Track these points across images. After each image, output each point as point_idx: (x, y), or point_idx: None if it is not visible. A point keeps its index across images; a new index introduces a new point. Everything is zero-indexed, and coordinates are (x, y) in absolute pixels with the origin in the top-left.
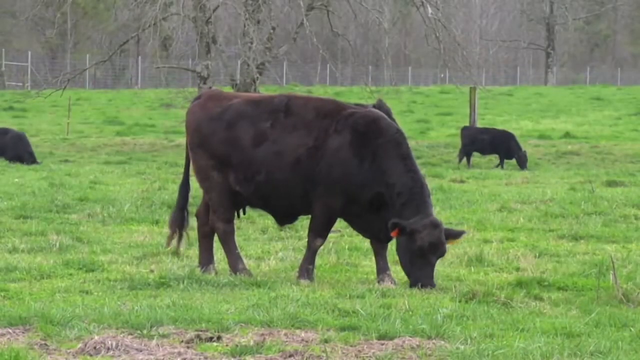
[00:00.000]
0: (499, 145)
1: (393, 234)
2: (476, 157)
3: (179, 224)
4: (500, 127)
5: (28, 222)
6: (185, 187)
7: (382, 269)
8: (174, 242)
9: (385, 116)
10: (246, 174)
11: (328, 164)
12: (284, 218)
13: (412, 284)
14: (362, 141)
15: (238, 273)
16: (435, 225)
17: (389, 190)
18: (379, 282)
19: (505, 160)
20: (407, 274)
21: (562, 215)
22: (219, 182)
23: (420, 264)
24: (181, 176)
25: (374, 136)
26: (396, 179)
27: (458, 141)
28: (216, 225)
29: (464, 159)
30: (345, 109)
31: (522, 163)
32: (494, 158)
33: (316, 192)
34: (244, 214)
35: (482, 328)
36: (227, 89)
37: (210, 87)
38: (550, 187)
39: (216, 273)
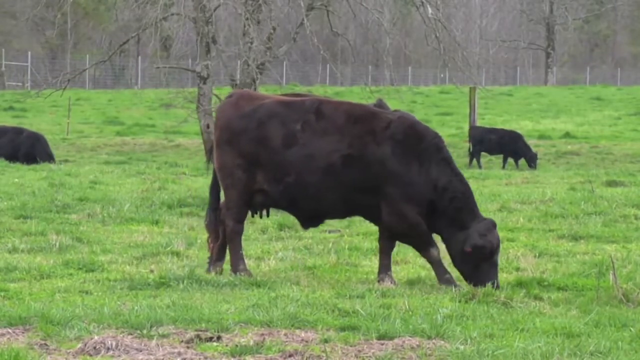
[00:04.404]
0: (506, 145)
1: (469, 252)
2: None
3: (214, 225)
4: (500, 127)
5: (28, 222)
6: (215, 187)
7: (384, 267)
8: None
9: (420, 121)
10: (276, 174)
11: (379, 180)
12: (310, 220)
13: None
14: (406, 150)
15: (238, 273)
16: (495, 225)
17: (439, 195)
18: (379, 281)
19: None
20: (472, 278)
21: (562, 215)
22: (241, 181)
23: (487, 266)
24: (182, 176)
25: (417, 142)
26: (447, 183)
27: (458, 141)
28: (226, 222)
29: (470, 159)
30: (378, 115)
31: (532, 163)
32: (494, 158)
33: (384, 213)
34: (267, 215)
35: (482, 328)
36: (227, 90)
37: (242, 88)
38: (550, 187)
39: (221, 272)
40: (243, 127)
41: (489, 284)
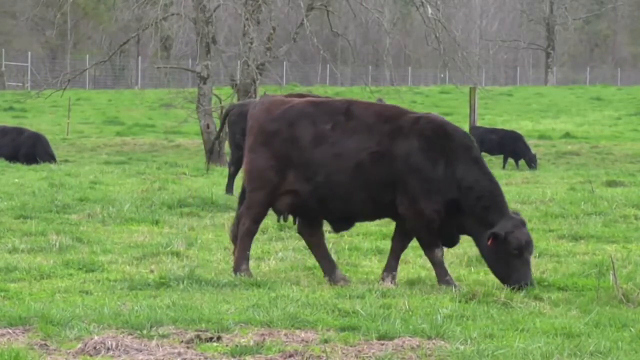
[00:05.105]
0: (506, 146)
1: (489, 243)
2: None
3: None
4: (500, 127)
5: (28, 222)
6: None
7: (390, 268)
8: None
9: (450, 122)
10: (306, 173)
11: (403, 174)
12: (340, 222)
13: (513, 286)
14: (433, 146)
15: (238, 273)
16: (524, 223)
17: (464, 194)
18: (381, 279)
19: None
20: (504, 277)
21: (562, 215)
22: (271, 182)
23: (517, 264)
24: (182, 176)
25: (445, 141)
26: (474, 182)
27: None
28: (243, 220)
29: None
30: (407, 114)
31: (531, 164)
32: (494, 158)
33: (402, 207)
34: (285, 220)
35: (482, 328)
36: (227, 90)
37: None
38: (550, 187)
39: (345, 280)
40: (275, 129)
41: (518, 283)
